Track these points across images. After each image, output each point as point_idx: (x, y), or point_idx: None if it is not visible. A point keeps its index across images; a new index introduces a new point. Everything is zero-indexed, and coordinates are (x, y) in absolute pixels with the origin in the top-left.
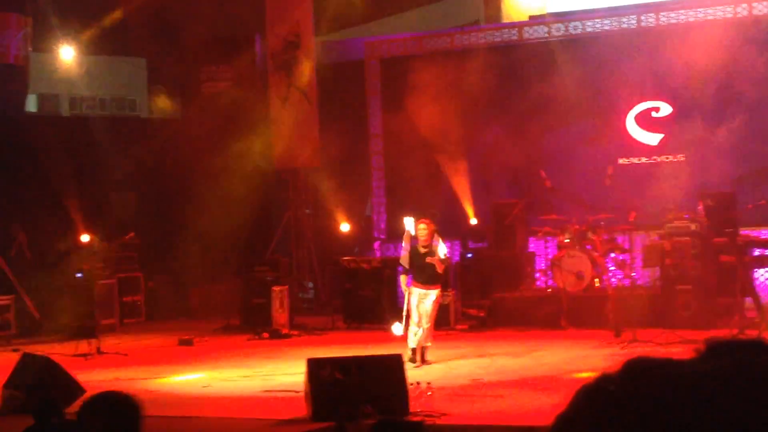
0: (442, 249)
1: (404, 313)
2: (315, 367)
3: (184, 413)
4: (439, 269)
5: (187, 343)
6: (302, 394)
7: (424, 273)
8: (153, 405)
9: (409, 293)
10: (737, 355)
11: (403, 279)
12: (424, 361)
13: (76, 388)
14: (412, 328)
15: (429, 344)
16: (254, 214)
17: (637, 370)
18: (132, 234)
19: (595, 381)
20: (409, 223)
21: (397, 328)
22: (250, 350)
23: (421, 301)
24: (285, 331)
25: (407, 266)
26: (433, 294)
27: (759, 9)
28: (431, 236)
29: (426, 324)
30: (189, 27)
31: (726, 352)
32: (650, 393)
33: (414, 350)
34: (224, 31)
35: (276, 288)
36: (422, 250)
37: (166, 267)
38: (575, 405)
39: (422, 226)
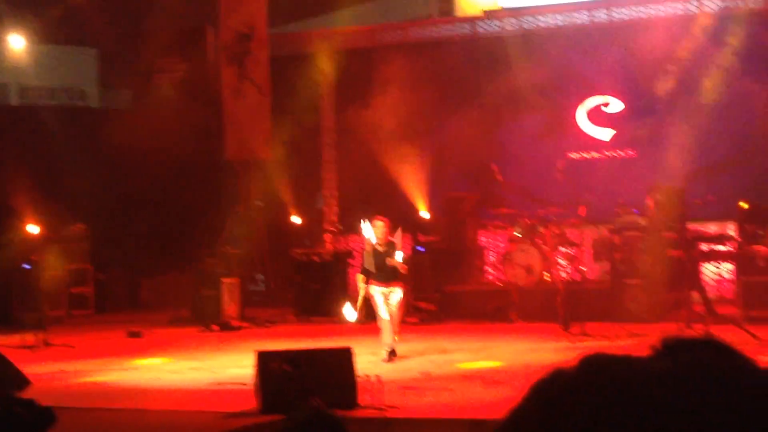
0: (399, 255)
1: (359, 302)
2: (265, 359)
3: (132, 406)
4: (403, 270)
5: (136, 335)
6: (252, 386)
7: (383, 271)
8: (101, 398)
9: (372, 292)
10: (694, 354)
11: (359, 277)
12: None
13: (22, 380)
14: (387, 327)
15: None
16: (205, 205)
17: (593, 367)
18: (81, 225)
19: (549, 376)
20: (366, 228)
21: (349, 313)
22: (199, 342)
23: (386, 299)
24: (235, 323)
25: (370, 269)
26: (398, 291)
27: (709, 6)
28: (388, 234)
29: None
30: (141, 17)
31: (683, 351)
32: (607, 390)
33: (393, 350)
34: (177, 23)
35: (226, 280)
36: (380, 249)
37: (117, 259)
38: (529, 400)
39: (379, 224)
